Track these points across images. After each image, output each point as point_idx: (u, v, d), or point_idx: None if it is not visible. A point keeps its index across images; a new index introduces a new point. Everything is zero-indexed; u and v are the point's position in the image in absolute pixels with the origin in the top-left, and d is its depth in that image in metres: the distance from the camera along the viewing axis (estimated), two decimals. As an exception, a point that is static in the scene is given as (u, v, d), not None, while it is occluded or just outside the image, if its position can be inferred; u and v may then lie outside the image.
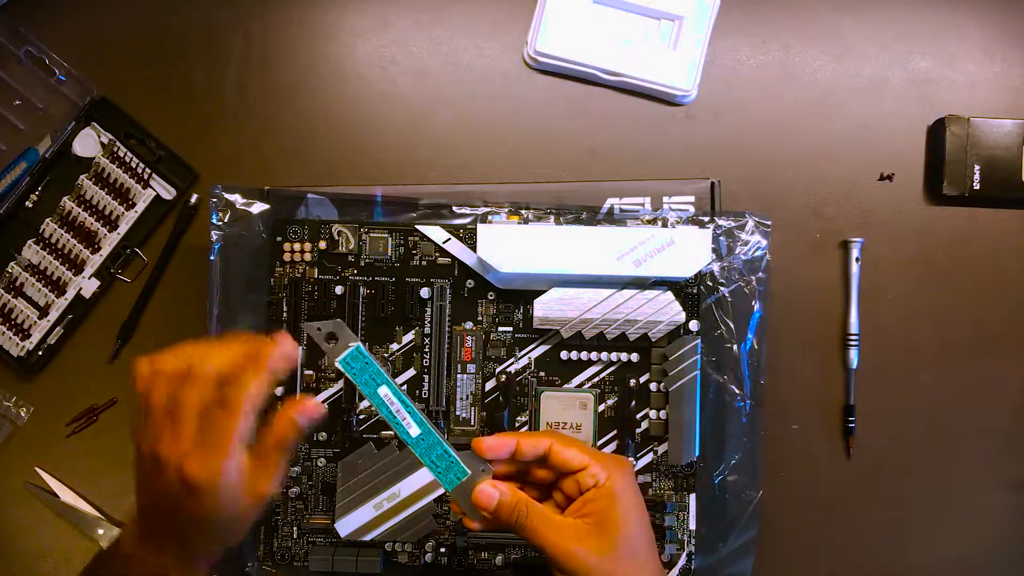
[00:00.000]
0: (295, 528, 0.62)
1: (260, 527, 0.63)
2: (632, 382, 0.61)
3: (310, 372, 0.62)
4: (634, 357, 0.62)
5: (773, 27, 0.69)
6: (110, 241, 0.68)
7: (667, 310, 0.60)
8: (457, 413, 0.62)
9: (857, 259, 0.67)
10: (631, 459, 0.61)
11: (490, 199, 0.65)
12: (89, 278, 0.68)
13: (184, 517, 0.46)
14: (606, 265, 0.59)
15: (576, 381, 0.62)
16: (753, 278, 0.63)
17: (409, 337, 0.62)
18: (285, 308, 0.62)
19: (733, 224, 0.63)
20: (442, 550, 0.62)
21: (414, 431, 0.51)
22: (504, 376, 0.62)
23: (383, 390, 0.51)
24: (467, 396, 0.62)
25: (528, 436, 0.52)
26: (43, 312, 0.67)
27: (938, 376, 0.67)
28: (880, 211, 0.68)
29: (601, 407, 0.62)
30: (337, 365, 0.51)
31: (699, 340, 0.61)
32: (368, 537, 0.60)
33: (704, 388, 0.62)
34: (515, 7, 0.69)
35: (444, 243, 0.62)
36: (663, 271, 0.59)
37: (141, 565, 0.48)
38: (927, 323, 0.68)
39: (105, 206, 0.68)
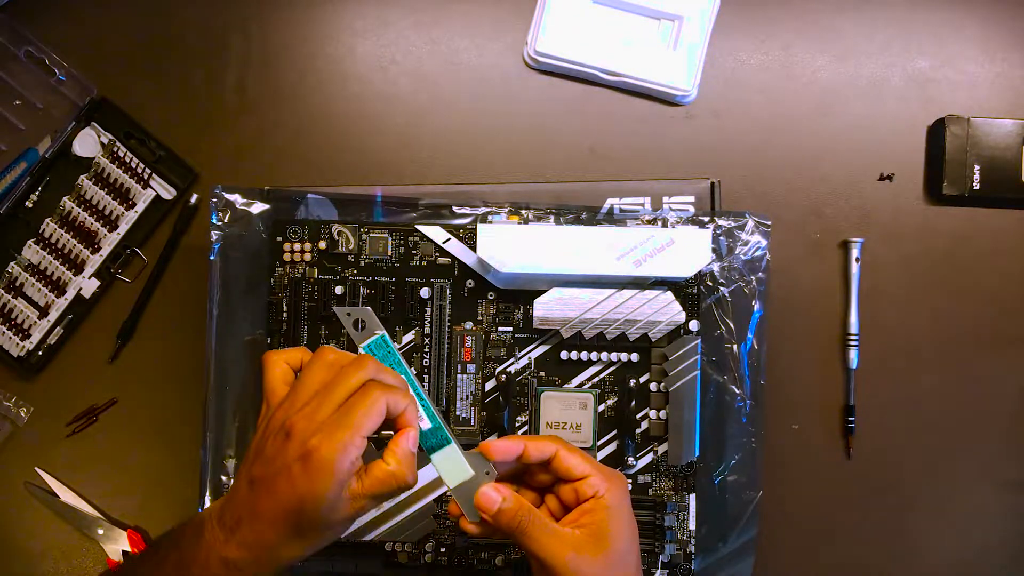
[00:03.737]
0: (295, 528, 0.62)
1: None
2: (632, 382, 0.61)
3: (310, 372, 0.62)
4: (634, 357, 0.62)
5: (773, 27, 0.69)
6: (110, 241, 0.68)
7: (667, 310, 0.60)
8: (457, 413, 0.62)
9: (857, 259, 0.67)
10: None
11: (490, 199, 0.65)
12: (89, 278, 0.68)
13: (289, 493, 0.46)
14: (606, 265, 0.59)
15: (576, 381, 0.62)
16: (753, 278, 0.63)
17: (409, 337, 0.62)
18: (285, 308, 0.62)
19: (733, 224, 0.63)
20: (442, 550, 0.62)
21: (425, 424, 0.52)
22: (504, 376, 0.62)
23: None
24: (467, 396, 0.62)
25: (535, 441, 0.52)
26: (43, 312, 0.67)
27: (938, 376, 0.67)
28: (880, 211, 0.68)
29: (601, 407, 0.62)
30: (361, 350, 0.52)
31: (699, 340, 0.61)
32: (368, 537, 0.60)
33: (704, 388, 0.62)
34: (515, 7, 0.69)
35: (444, 243, 0.62)
36: (663, 271, 0.59)
37: (213, 555, 0.47)
38: (927, 323, 0.68)
39: (105, 206, 0.68)
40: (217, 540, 0.47)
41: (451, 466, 0.51)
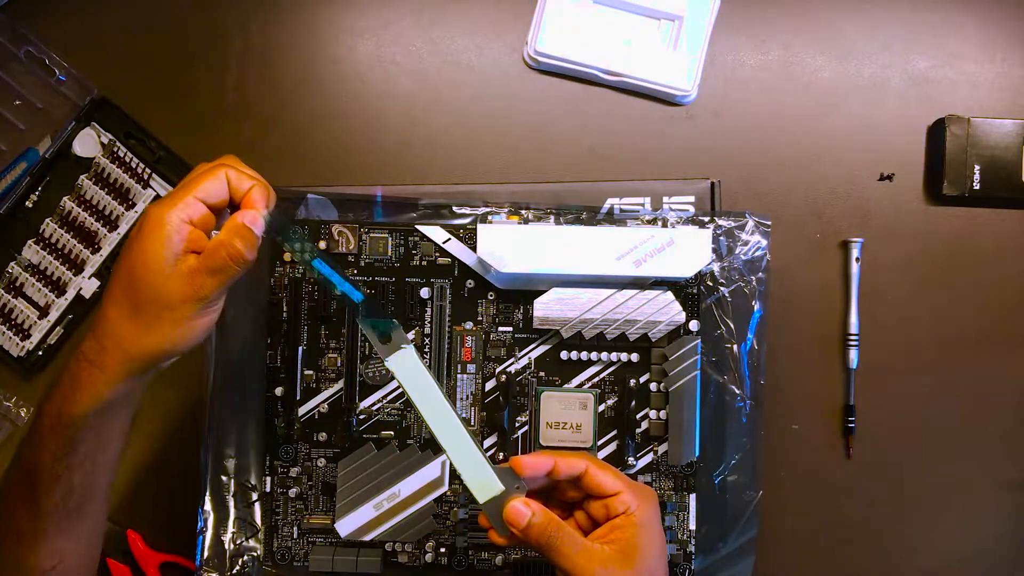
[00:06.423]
0: (295, 528, 0.62)
1: (260, 527, 0.63)
2: (632, 382, 0.61)
3: (310, 372, 0.62)
4: (634, 357, 0.62)
5: (773, 27, 0.69)
6: (110, 241, 0.68)
7: (667, 310, 0.60)
8: (457, 413, 0.62)
9: (857, 259, 0.67)
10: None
11: (490, 199, 0.65)
12: (89, 278, 0.68)
13: (126, 259, 0.49)
14: (606, 265, 0.59)
15: (576, 381, 0.62)
16: (753, 278, 0.63)
17: (409, 337, 0.62)
18: (285, 308, 0.62)
19: (733, 224, 0.63)
20: (442, 550, 0.62)
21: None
22: (504, 376, 0.62)
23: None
24: (467, 396, 0.62)
25: (565, 457, 0.52)
26: (43, 312, 0.67)
27: (938, 376, 0.67)
28: (880, 211, 0.68)
29: (601, 407, 0.62)
30: (387, 365, 0.52)
31: (699, 340, 0.60)
32: (368, 537, 0.60)
33: (704, 388, 0.62)
34: (515, 7, 0.69)
35: (444, 243, 0.62)
36: (663, 271, 0.59)
37: (78, 360, 0.50)
38: (927, 323, 0.68)
39: (105, 206, 0.68)
40: (81, 342, 0.50)
41: (481, 481, 0.52)
